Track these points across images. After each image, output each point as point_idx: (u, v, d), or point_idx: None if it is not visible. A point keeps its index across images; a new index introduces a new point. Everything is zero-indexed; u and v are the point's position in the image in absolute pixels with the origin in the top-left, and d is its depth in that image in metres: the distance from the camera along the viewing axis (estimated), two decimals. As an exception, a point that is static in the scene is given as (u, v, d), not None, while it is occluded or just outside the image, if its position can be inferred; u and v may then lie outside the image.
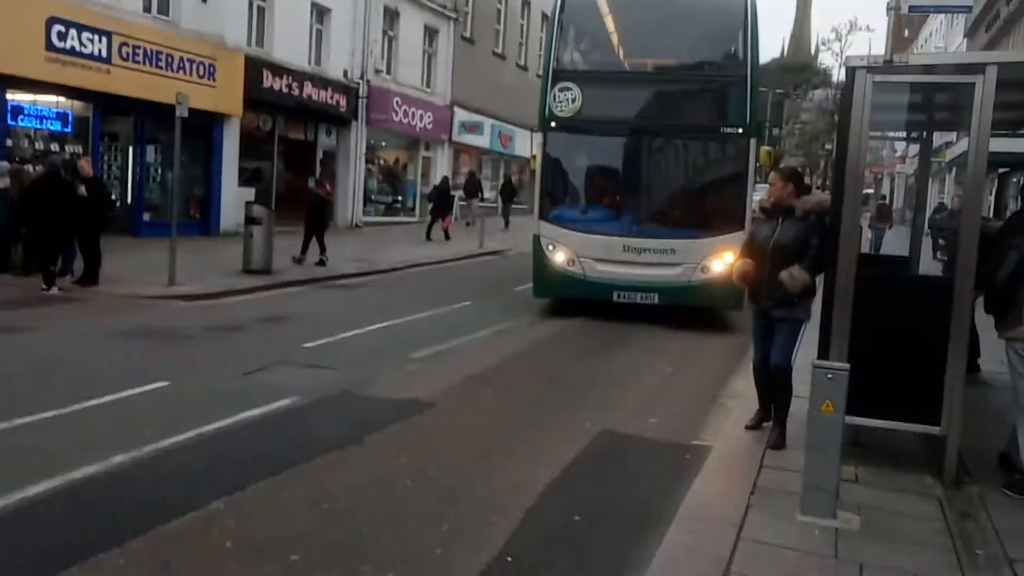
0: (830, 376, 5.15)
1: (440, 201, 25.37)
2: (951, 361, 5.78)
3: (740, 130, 11.89)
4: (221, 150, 21.41)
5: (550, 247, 12.42)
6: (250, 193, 21.50)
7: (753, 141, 11.99)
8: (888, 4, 6.51)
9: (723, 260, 11.35)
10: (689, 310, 12.38)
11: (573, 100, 12.26)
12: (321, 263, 16.69)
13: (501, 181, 33.98)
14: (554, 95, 12.31)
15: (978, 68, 5.47)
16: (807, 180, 48.27)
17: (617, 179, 12.85)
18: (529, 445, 6.70)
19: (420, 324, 11.90)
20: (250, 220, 15.39)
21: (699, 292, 11.95)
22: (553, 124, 12.35)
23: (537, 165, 12.65)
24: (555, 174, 12.85)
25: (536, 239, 12.60)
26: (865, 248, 26.56)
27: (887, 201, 34.04)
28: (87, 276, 13.07)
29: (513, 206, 31.40)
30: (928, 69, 6.17)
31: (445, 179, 27.71)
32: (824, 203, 6.47)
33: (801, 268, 6.24)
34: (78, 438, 6.28)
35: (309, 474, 5.81)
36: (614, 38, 13.46)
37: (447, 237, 24.49)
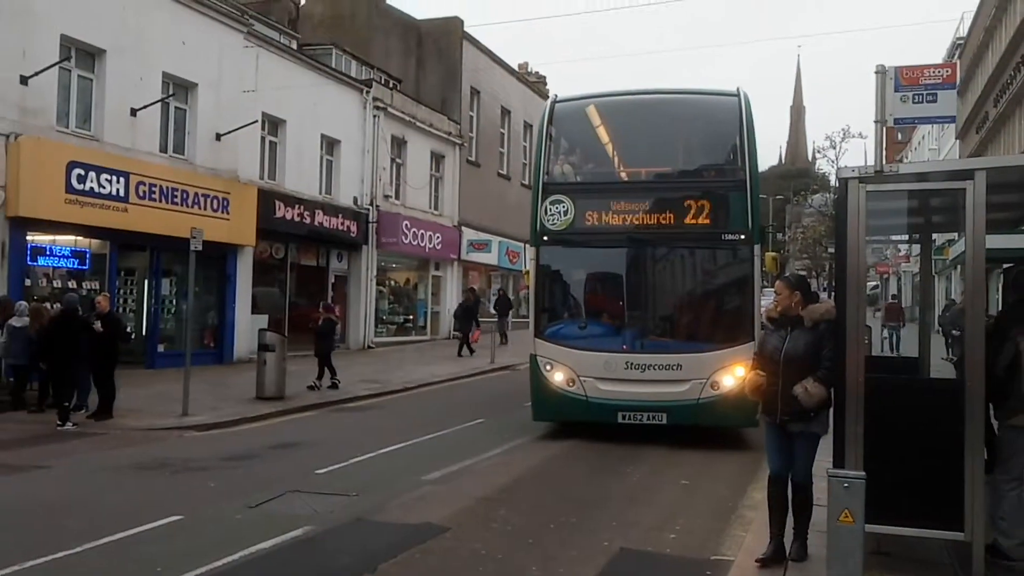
0: (846, 485, 5.05)
1: (466, 316, 25.84)
2: (968, 463, 5.68)
3: (743, 236, 11.36)
4: (234, 279, 21.71)
5: (548, 366, 11.69)
6: (263, 320, 21.71)
7: (757, 247, 11.42)
8: (875, 117, 6.42)
9: (734, 374, 10.74)
10: (700, 428, 11.61)
11: (565, 213, 11.79)
12: (334, 386, 16.66)
13: (495, 296, 33.61)
14: (545, 208, 11.84)
15: (967, 174, 5.56)
16: (814, 284, 48.44)
17: (616, 292, 12.22)
18: (547, 568, 6.52)
19: (432, 445, 11.78)
20: (263, 347, 15.47)
21: (710, 410, 11.18)
22: (545, 238, 11.86)
23: (531, 281, 12.17)
24: (550, 289, 12.29)
25: (533, 359, 11.93)
26: (881, 346, 26.53)
27: (898, 300, 34.00)
28: (102, 410, 13.07)
29: (512, 320, 31.24)
30: (919, 177, 6.29)
31: (470, 292, 28.18)
32: (833, 311, 6.31)
33: (815, 381, 6.07)
34: (89, 578, 6.15)
35: (322, 607, 5.65)
36: (605, 147, 13.08)
37: (471, 352, 24.73)
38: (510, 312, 30.94)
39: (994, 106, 28.17)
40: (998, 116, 27.52)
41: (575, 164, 12.82)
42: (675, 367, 11.31)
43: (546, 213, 11.83)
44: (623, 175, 12.89)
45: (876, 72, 6.12)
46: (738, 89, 12.24)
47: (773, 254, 12.98)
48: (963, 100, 32.60)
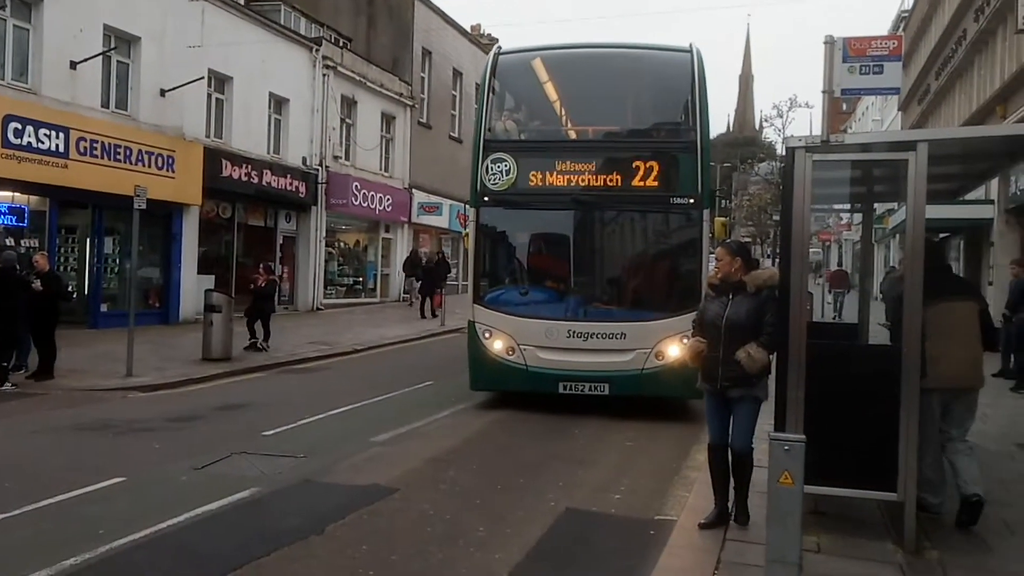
0: (787, 448, 5.14)
1: (428, 278, 25.85)
2: (904, 427, 5.83)
3: (692, 200, 10.85)
4: (180, 239, 21.30)
5: (487, 334, 11.14)
6: (209, 280, 21.37)
7: (706, 212, 10.90)
8: (823, 87, 6.32)
9: (679, 343, 10.31)
10: (643, 399, 11.19)
11: (507, 172, 11.16)
12: (262, 349, 16.54)
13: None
14: (486, 167, 11.20)
15: (910, 145, 5.65)
16: (758, 251, 49.13)
17: (559, 257, 11.68)
18: (494, 528, 6.57)
19: (381, 407, 11.75)
20: (209, 308, 15.24)
21: (654, 381, 10.75)
22: (486, 199, 11.23)
23: (470, 244, 11.50)
24: (490, 253, 11.73)
25: (471, 325, 11.33)
26: (828, 311, 27.13)
27: (842, 267, 34.84)
28: (42, 370, 12.78)
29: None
30: (863, 147, 6.37)
31: (437, 254, 28.24)
32: (775, 277, 6.28)
33: (758, 346, 6.09)
34: (29, 541, 6.05)
35: (270, 567, 5.63)
36: (551, 104, 12.43)
37: (434, 315, 24.66)
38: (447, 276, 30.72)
39: (936, 79, 28.66)
40: (939, 89, 28.01)
41: (519, 121, 12.26)
42: (619, 336, 10.85)
43: (487, 172, 11.20)
44: (569, 133, 12.29)
45: (825, 43, 6.13)
46: (691, 45, 11.66)
47: (722, 219, 12.51)
48: (906, 72, 33.08)
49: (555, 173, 11.20)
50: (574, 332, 10.89)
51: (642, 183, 11.00)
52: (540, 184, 11.22)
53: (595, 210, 11.31)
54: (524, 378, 11.02)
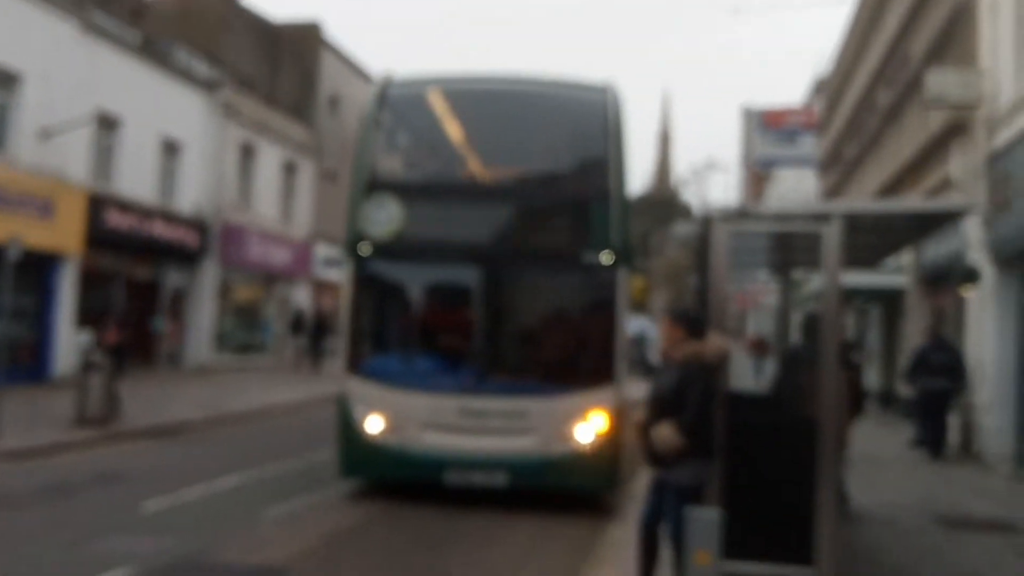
0: (701, 524, 5.27)
1: (314, 336, 25.85)
2: (820, 499, 6.04)
3: (605, 256, 9.76)
4: (57, 291, 20.60)
5: (360, 410, 9.85)
6: (87, 336, 20.69)
7: (622, 271, 9.88)
8: (740, 158, 6.54)
9: (591, 424, 9.44)
10: (547, 492, 9.87)
11: (391, 218, 9.99)
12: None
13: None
14: (367, 211, 10.04)
15: (825, 218, 5.95)
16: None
17: (450, 320, 10.51)
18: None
19: (274, 478, 11.48)
20: (88, 365, 14.71)
21: (561, 469, 9.52)
22: (364, 248, 10.03)
23: (345, 302, 10.32)
24: (368, 313, 10.47)
25: (341, 401, 10.02)
26: (748, 376, 27.81)
27: (761, 334, 36.08)
28: None
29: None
30: (780, 219, 6.67)
31: (321, 312, 28.28)
32: (700, 353, 6.05)
33: (670, 425, 5.84)
34: None
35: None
36: (446, 142, 11.22)
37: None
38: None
39: (851, 146, 30.15)
40: (854, 156, 29.45)
41: (407, 159, 11.43)
42: (519, 414, 9.64)
43: (368, 217, 10.03)
44: (464, 175, 11.18)
45: (742, 113, 6.44)
46: (606, 84, 10.95)
47: (641, 281, 12.08)
48: (823, 136, 34.71)
49: (448, 220, 10.20)
50: (465, 410, 9.65)
51: (547, 236, 10.19)
52: (429, 232, 10.16)
53: (493, 266, 10.08)
54: (403, 464, 9.71)
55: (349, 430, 9.95)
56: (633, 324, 42.15)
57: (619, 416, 9.57)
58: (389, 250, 10.09)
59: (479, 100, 11.40)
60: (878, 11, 25.45)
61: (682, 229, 59.81)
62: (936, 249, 16.59)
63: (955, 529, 8.98)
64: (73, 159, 20.76)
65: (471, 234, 10.18)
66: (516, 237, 10.19)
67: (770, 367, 27.30)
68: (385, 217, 10.05)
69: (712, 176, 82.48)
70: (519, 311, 10.61)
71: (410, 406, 9.77)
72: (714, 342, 6.19)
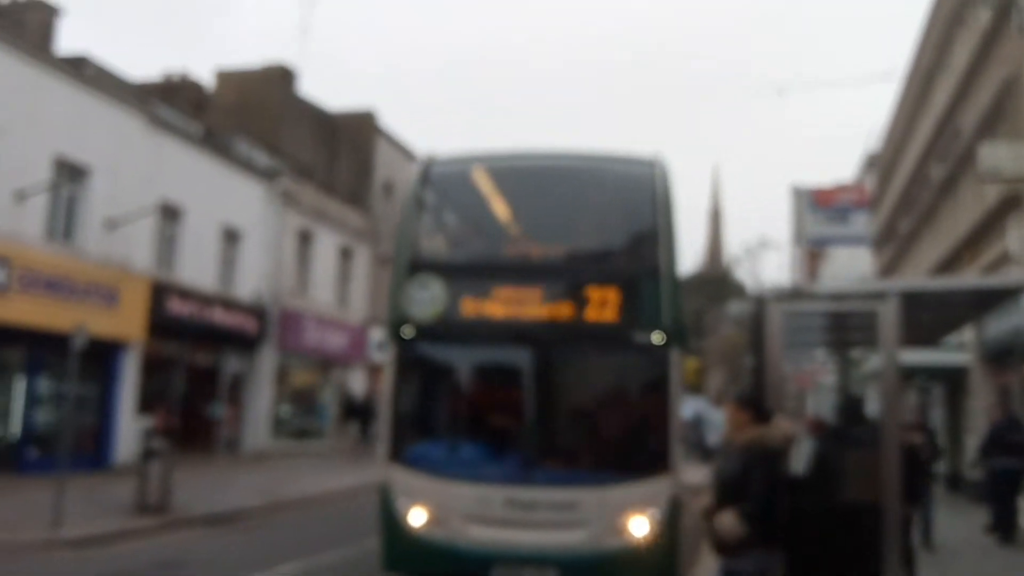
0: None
1: (364, 417, 25.88)
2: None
3: (656, 336, 9.14)
4: (120, 378, 21.05)
5: (402, 501, 9.20)
6: (148, 422, 21.01)
7: (675, 351, 9.20)
8: (792, 237, 6.43)
9: (646, 516, 8.75)
10: None
11: (435, 299, 9.52)
12: None
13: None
14: (410, 293, 9.59)
15: (880, 295, 5.91)
16: (729, 394, 49.36)
17: (495, 405, 9.92)
18: None
19: (333, 566, 11.45)
20: (148, 452, 14.93)
21: (615, 565, 8.83)
22: (407, 330, 9.51)
23: (386, 386, 9.74)
24: (411, 399, 9.84)
25: (383, 491, 9.36)
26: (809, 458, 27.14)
27: (822, 416, 35.30)
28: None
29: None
30: (835, 298, 6.64)
31: (370, 393, 28.37)
32: (762, 439, 5.88)
33: (734, 512, 5.67)
34: None
35: None
36: (490, 220, 10.85)
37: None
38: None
39: (905, 221, 29.89)
40: (908, 231, 29.18)
41: (450, 238, 11.06)
42: (569, 506, 8.96)
43: (411, 299, 9.59)
44: (509, 254, 10.65)
45: (792, 193, 6.48)
46: (654, 157, 10.53)
47: (695, 361, 11.37)
48: (876, 213, 34.48)
49: (492, 301, 9.63)
50: (513, 501, 8.92)
51: (596, 315, 9.47)
52: (474, 314, 9.61)
53: (539, 348, 9.51)
54: (450, 560, 8.95)
55: (391, 522, 9.29)
56: (689, 406, 41.54)
57: (676, 507, 8.82)
58: (432, 332, 9.54)
59: (523, 177, 11.03)
60: (927, 86, 25.48)
61: (736, 308, 59.31)
62: (998, 325, 16.24)
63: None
64: (137, 248, 21.43)
65: (515, 314, 9.59)
66: (563, 317, 9.52)
67: (806, 447, 26.70)
68: (428, 298, 9.57)
69: (765, 254, 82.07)
70: (568, 395, 9.89)
71: (455, 497, 9.06)
72: (780, 426, 6.03)
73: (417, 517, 9.11)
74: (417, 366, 9.77)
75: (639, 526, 8.75)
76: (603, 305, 9.50)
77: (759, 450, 5.83)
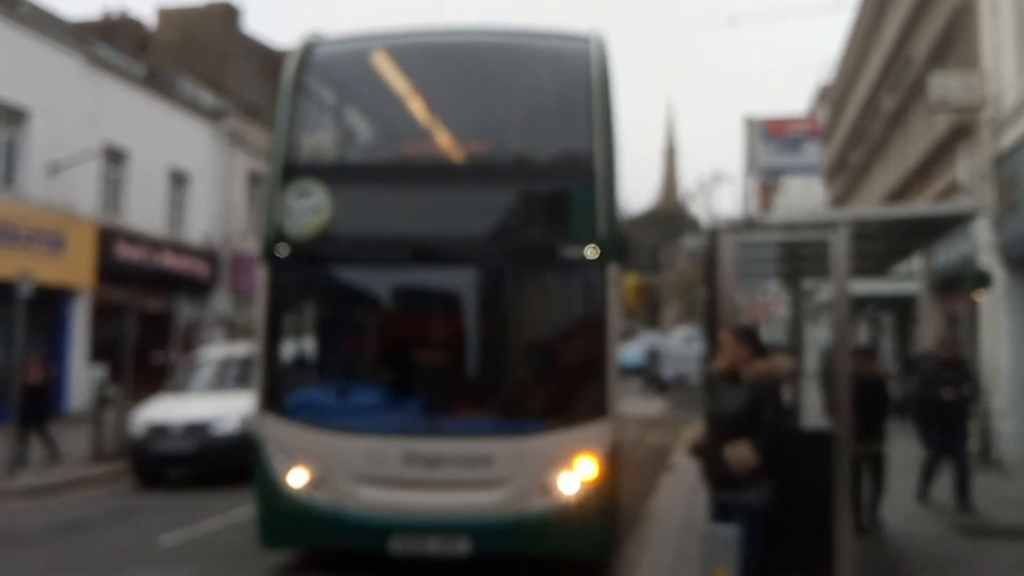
0: (721, 540, 5.24)
1: None
2: (838, 514, 6.00)
3: (590, 250, 7.49)
4: (70, 326, 20.71)
5: (280, 459, 7.55)
6: (101, 371, 20.76)
7: (612, 268, 7.56)
8: (744, 167, 6.37)
9: (578, 471, 7.23)
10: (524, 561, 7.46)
11: (317, 210, 7.78)
12: (53, 456, 14.17)
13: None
14: (287, 203, 7.82)
15: (831, 225, 5.95)
16: (686, 329, 49.97)
17: (392, 341, 8.21)
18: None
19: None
20: (103, 400, 14.76)
21: (539, 531, 7.25)
22: (283, 250, 7.80)
23: (260, 319, 7.92)
24: (286, 334, 8.10)
25: (258, 446, 7.71)
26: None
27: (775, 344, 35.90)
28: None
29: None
30: (786, 228, 6.67)
31: None
32: (772, 371, 5.82)
33: (746, 444, 5.51)
34: None
35: None
36: (387, 110, 9.13)
37: None
38: None
39: (857, 152, 30.15)
40: (860, 163, 29.46)
41: (337, 135, 9.24)
42: (484, 461, 7.35)
43: (289, 210, 7.82)
44: (411, 154, 8.80)
45: (744, 123, 6.45)
46: (590, 34, 8.71)
47: (635, 280, 9.21)
48: (828, 144, 34.72)
49: (390, 211, 7.95)
50: (414, 456, 7.33)
51: (516, 227, 7.87)
52: (366, 228, 7.92)
53: (446, 267, 7.97)
54: (339, 530, 7.44)
55: (266, 486, 7.64)
56: (644, 339, 41.99)
57: (614, 458, 7.33)
58: (314, 251, 7.84)
59: (430, 57, 9.11)
60: (878, 16, 25.50)
61: (691, 242, 59.81)
62: (947, 254, 16.53)
63: (976, 538, 8.88)
64: (82, 193, 20.92)
65: (419, 228, 7.87)
66: (476, 230, 7.86)
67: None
68: (308, 209, 7.81)
69: (719, 188, 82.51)
70: (481, 326, 8.15)
71: (342, 453, 7.47)
72: (781, 360, 6.02)
73: (297, 478, 7.50)
74: (295, 293, 8.17)
75: (569, 483, 7.25)
76: (525, 214, 7.89)
77: (768, 383, 5.79)
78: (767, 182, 27.68)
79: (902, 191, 21.23)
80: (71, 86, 20.61)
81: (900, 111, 22.07)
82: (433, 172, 8.33)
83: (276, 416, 7.66)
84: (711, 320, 6.70)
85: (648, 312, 65.60)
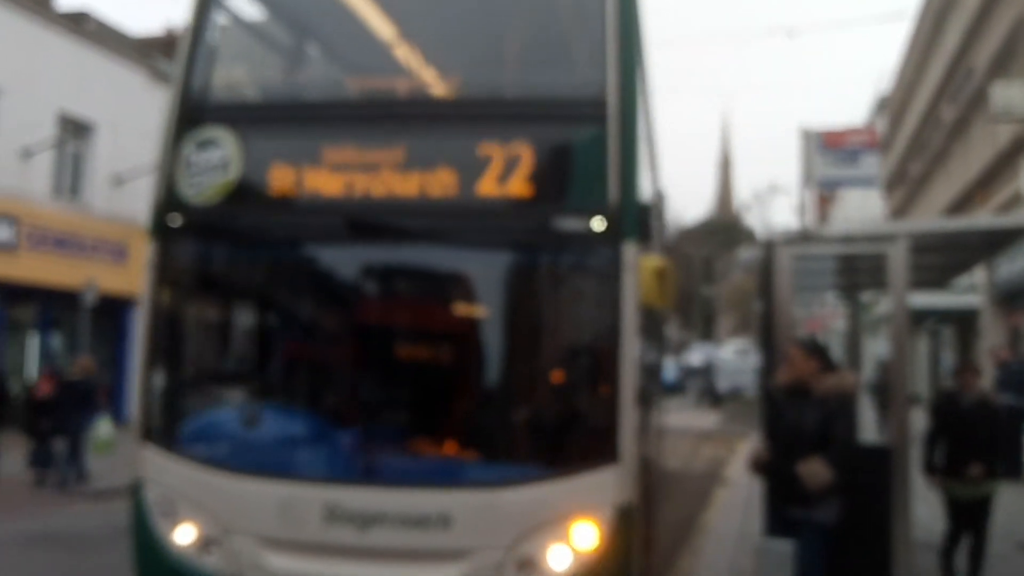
0: (775, 555, 5.23)
1: None
2: (897, 526, 5.94)
3: (596, 222, 5.16)
4: (132, 334, 21.20)
5: (162, 507, 5.45)
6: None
7: (629, 248, 5.17)
8: (801, 179, 6.19)
9: (570, 540, 4.94)
10: None
11: (223, 166, 5.59)
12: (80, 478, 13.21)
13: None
14: (184, 157, 5.72)
15: (889, 238, 5.90)
16: (739, 342, 49.48)
17: (317, 348, 6.11)
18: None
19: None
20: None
21: None
22: (175, 219, 5.79)
23: (144, 312, 5.89)
24: (177, 335, 6.04)
25: (136, 488, 5.57)
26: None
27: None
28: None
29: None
30: (844, 240, 6.63)
31: None
32: (843, 385, 5.77)
33: (822, 461, 5.36)
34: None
35: None
36: (322, 36, 6.82)
37: None
38: None
39: (916, 163, 29.67)
40: (919, 174, 28.98)
41: (256, 70, 6.86)
42: (438, 522, 5.01)
43: (185, 166, 5.72)
44: (354, 91, 6.37)
45: (801, 135, 6.44)
46: None
47: (659, 263, 5.71)
48: (886, 156, 34.21)
49: (322, 168, 5.53)
50: (339, 511, 5.09)
51: (493, 188, 5.33)
52: (289, 190, 5.57)
53: (395, 244, 5.63)
54: None
55: (144, 541, 5.53)
56: (699, 351, 41.44)
57: (629, 521, 5.08)
58: (217, 221, 5.74)
59: None
60: (938, 25, 25.12)
61: (745, 254, 59.31)
62: (1009, 267, 16.20)
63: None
64: (145, 204, 21.29)
65: (361, 190, 5.47)
66: (439, 194, 5.37)
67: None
68: (212, 164, 5.64)
69: (775, 200, 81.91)
70: (440, 328, 5.92)
71: (244, 504, 5.30)
72: (848, 375, 5.94)
73: (184, 535, 5.37)
74: (190, 279, 6.00)
75: (560, 558, 4.97)
76: (507, 171, 5.31)
77: (840, 398, 5.67)
78: (824, 194, 27.30)
79: (963, 203, 20.86)
80: (134, 100, 21.15)
81: (961, 121, 21.70)
82: (381, 115, 5.88)
83: (158, 449, 5.55)
84: (767, 333, 6.67)
85: (702, 324, 65.13)
